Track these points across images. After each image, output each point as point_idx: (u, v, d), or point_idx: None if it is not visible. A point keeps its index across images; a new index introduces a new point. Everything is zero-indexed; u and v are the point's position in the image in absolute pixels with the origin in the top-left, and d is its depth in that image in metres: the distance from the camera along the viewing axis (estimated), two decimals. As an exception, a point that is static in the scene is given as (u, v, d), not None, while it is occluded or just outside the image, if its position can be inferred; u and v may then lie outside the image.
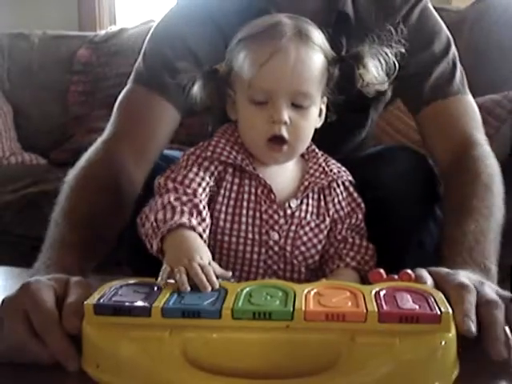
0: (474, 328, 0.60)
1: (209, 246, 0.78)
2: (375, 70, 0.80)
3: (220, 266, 0.78)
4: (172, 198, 0.74)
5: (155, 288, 0.64)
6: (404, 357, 0.56)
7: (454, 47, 1.02)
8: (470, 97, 1.01)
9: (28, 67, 2.25)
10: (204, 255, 0.69)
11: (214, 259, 0.78)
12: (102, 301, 0.61)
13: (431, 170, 0.99)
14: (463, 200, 0.87)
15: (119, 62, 2.14)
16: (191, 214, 0.73)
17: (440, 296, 0.61)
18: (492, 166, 0.93)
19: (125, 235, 0.90)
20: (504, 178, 0.98)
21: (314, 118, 0.81)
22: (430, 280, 0.66)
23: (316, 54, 0.79)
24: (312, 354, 0.57)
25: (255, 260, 0.81)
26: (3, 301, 0.64)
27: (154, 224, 0.72)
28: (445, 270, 0.70)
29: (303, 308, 0.59)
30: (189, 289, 0.63)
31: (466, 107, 1.00)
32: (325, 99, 0.83)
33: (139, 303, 0.60)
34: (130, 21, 2.50)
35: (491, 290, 0.66)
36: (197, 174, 0.78)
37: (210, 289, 0.63)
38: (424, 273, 0.67)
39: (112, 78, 2.13)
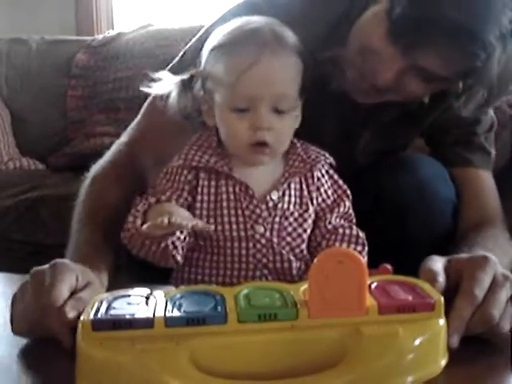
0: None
1: (196, 246, 0.83)
2: (349, 71, 0.81)
3: (211, 265, 0.83)
4: (144, 200, 0.80)
5: (148, 298, 0.62)
6: (407, 344, 0.59)
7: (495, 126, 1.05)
8: None
9: (26, 72, 2.25)
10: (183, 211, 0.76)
11: (204, 259, 0.83)
12: (99, 316, 0.58)
13: (449, 179, 1.00)
14: (483, 238, 0.90)
15: (117, 67, 2.14)
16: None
17: (427, 286, 0.64)
18: None
19: None
20: (504, 184, 0.99)
21: (295, 120, 0.83)
22: (442, 279, 0.66)
23: (293, 57, 0.80)
24: (321, 350, 0.59)
25: (244, 255, 0.82)
26: (31, 272, 0.69)
27: (133, 211, 0.78)
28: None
29: (306, 306, 0.60)
30: (166, 221, 0.70)
31: (494, 185, 1.03)
32: (301, 100, 0.83)
33: (140, 314, 0.59)
34: (127, 25, 2.49)
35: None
36: (166, 195, 0.81)
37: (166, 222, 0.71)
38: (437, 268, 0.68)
39: (110, 83, 2.13)
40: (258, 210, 0.82)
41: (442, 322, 0.61)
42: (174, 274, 0.84)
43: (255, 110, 0.78)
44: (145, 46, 2.13)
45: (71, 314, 0.64)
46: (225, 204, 0.82)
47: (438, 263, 0.69)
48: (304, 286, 0.63)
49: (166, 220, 0.71)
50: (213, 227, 0.78)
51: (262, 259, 0.82)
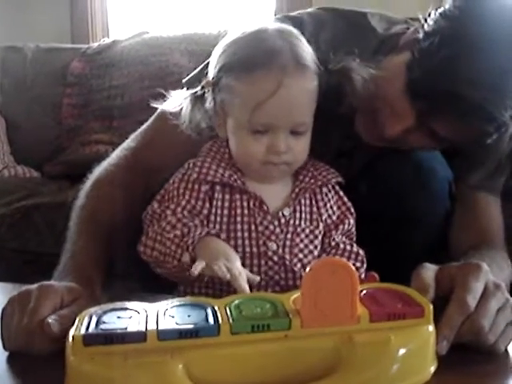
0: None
1: None
2: (360, 85, 0.80)
3: (221, 280, 0.77)
4: (179, 215, 0.77)
5: (138, 312, 0.61)
6: (399, 351, 0.60)
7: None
8: None
9: (21, 80, 2.24)
10: (237, 260, 0.72)
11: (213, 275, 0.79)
12: (90, 330, 0.57)
13: (444, 162, 0.99)
14: (480, 255, 0.88)
15: (112, 74, 2.14)
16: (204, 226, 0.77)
17: (414, 293, 0.65)
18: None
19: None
20: (504, 186, 0.99)
21: (310, 136, 0.82)
22: (432, 290, 0.67)
23: (312, 82, 0.79)
24: (314, 359, 0.59)
25: (256, 272, 0.79)
26: (19, 292, 0.70)
27: (176, 240, 0.74)
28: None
29: (299, 316, 0.60)
30: (228, 277, 0.67)
31: (498, 208, 1.02)
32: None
33: (132, 328, 0.58)
34: (122, 33, 2.49)
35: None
36: (188, 202, 0.79)
37: (248, 291, 0.67)
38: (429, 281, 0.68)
39: (105, 90, 2.12)
40: (271, 227, 0.81)
41: (431, 328, 0.62)
42: (181, 288, 0.82)
43: (273, 134, 0.77)
44: (140, 53, 2.14)
45: (54, 328, 0.64)
46: (239, 219, 0.80)
47: (429, 272, 0.69)
48: (294, 296, 0.64)
49: (227, 276, 0.67)
50: (258, 278, 0.73)
51: (274, 276, 0.81)
